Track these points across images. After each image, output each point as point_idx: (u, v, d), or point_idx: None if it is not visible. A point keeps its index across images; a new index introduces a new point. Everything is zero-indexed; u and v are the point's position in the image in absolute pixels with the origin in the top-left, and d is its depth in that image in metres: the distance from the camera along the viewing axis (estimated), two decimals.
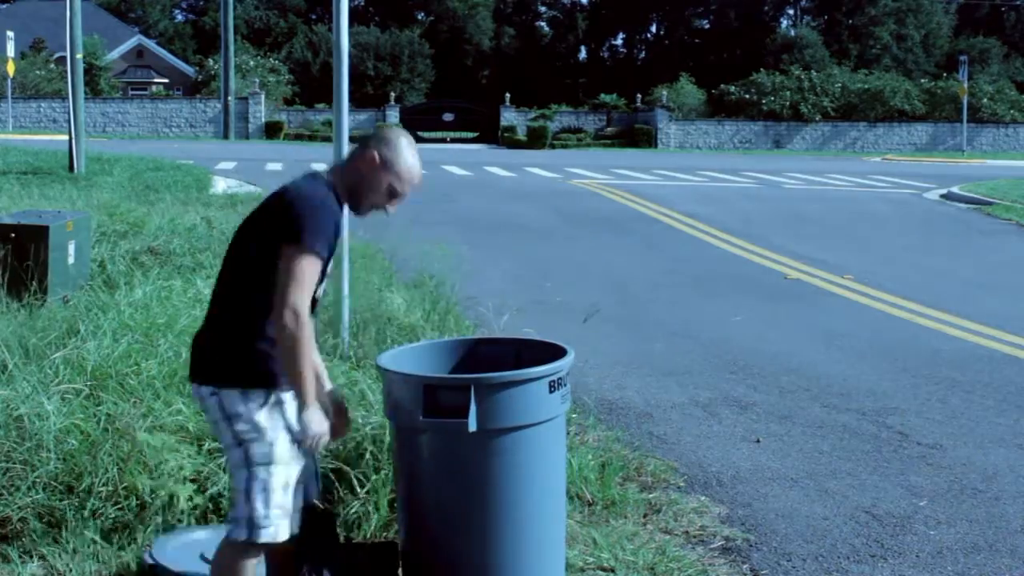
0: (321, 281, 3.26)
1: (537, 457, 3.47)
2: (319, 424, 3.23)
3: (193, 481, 4.42)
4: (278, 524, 3.23)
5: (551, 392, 3.45)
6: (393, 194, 3.33)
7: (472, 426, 3.32)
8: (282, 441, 3.25)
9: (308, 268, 3.12)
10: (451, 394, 3.35)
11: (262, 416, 3.22)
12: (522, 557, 3.49)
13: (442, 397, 3.36)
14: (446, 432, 3.38)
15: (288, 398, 3.28)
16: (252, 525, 3.21)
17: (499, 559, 3.46)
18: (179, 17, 76.59)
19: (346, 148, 7.54)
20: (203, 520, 4.34)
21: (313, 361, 3.27)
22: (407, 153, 3.33)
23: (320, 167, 3.36)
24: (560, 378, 3.49)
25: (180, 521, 4.30)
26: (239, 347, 3.22)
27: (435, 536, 3.50)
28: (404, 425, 3.48)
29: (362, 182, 3.31)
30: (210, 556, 3.63)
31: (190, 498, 4.33)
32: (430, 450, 3.46)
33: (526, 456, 3.44)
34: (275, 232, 3.17)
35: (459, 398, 3.33)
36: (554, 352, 3.65)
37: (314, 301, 3.26)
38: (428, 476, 3.47)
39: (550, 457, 3.55)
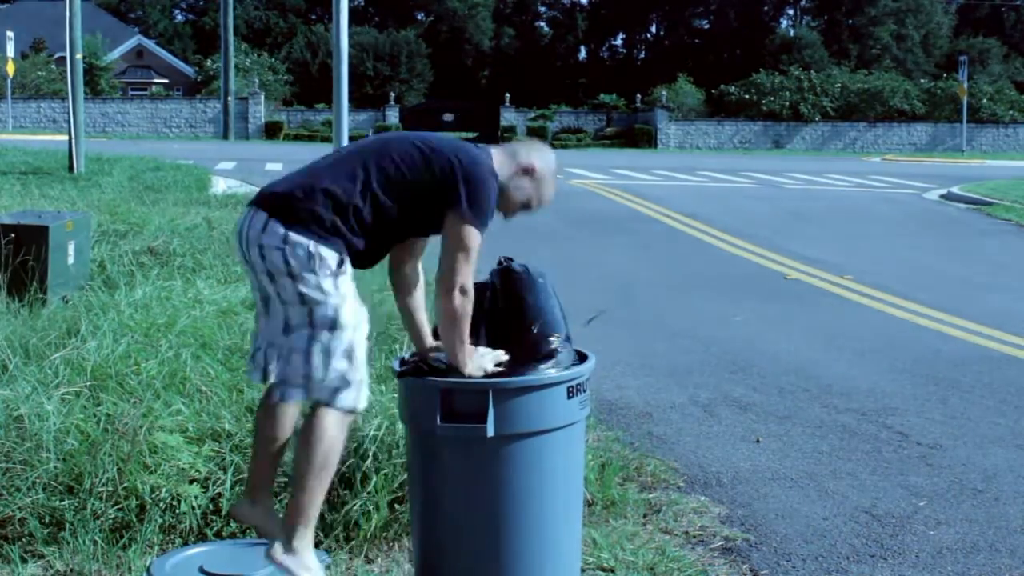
0: None
1: (555, 463, 3.43)
2: (487, 366, 3.34)
3: (193, 481, 4.42)
4: (337, 387, 3.29)
5: (569, 398, 3.41)
6: (527, 208, 3.53)
7: (490, 431, 3.28)
8: (348, 306, 3.29)
9: (476, 243, 3.25)
10: (469, 398, 3.31)
11: (328, 282, 3.24)
12: (538, 563, 3.46)
13: (459, 402, 3.32)
14: (464, 437, 3.34)
15: (349, 268, 3.32)
16: (309, 384, 3.27)
17: (515, 565, 3.43)
18: (179, 17, 76.62)
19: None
20: (203, 520, 4.34)
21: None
22: (548, 157, 3.52)
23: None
24: (579, 384, 3.45)
25: (181, 522, 4.30)
26: (326, 210, 3.23)
27: (451, 542, 3.47)
28: (420, 431, 3.45)
29: (517, 189, 3.44)
30: (210, 569, 3.61)
31: (196, 497, 4.33)
32: (447, 456, 3.41)
33: (544, 462, 3.40)
34: (442, 193, 3.25)
35: (477, 403, 3.29)
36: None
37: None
38: (444, 482, 3.43)
39: (568, 463, 3.50)
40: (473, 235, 3.25)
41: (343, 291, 3.28)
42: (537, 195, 3.49)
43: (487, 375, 3.36)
